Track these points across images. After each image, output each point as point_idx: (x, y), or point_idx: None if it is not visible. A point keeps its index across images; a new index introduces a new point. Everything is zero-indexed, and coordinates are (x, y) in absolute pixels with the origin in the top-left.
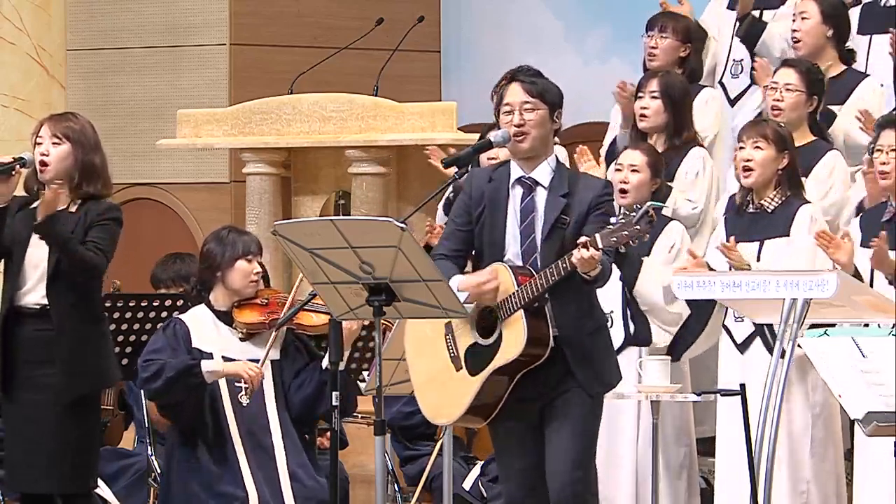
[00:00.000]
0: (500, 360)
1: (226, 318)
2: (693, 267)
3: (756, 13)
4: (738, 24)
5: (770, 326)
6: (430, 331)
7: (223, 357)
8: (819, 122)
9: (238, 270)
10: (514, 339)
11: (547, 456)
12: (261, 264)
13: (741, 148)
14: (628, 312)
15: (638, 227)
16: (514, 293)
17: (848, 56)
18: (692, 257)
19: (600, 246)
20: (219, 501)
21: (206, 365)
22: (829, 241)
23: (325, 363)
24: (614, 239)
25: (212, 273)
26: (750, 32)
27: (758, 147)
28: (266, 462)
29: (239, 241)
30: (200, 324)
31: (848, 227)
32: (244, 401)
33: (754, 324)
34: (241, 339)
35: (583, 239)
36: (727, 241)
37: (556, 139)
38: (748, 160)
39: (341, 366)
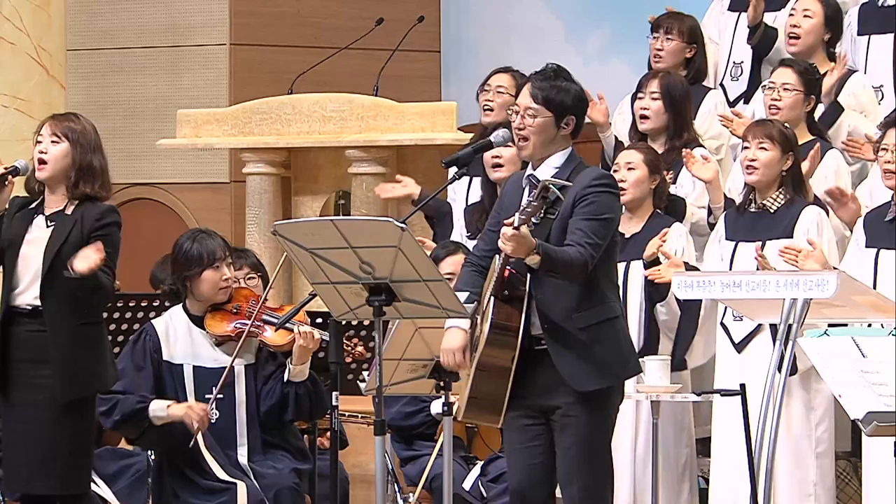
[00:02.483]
0: (478, 349)
1: (200, 322)
2: (669, 266)
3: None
4: (749, 32)
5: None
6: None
7: (193, 367)
8: (817, 121)
9: (205, 281)
10: (484, 326)
11: (557, 468)
12: (259, 263)
13: (746, 147)
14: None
15: (535, 203)
16: (491, 281)
17: (833, 58)
18: (666, 258)
19: (516, 224)
20: (209, 499)
21: (153, 409)
22: (797, 254)
23: (286, 376)
24: (522, 217)
25: (182, 282)
26: (763, 41)
27: (763, 148)
28: (233, 463)
29: (203, 250)
30: (174, 330)
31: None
32: (199, 436)
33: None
34: (216, 344)
35: (507, 220)
36: (727, 240)
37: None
38: (753, 160)
39: (305, 375)
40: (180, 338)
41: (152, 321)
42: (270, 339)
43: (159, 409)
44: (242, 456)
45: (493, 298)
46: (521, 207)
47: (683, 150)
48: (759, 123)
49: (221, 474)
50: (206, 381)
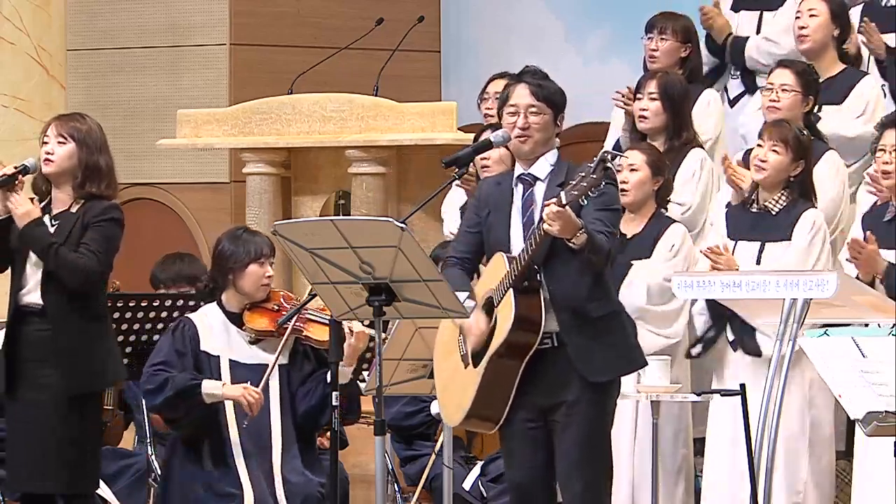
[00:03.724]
0: (494, 343)
1: (236, 319)
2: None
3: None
4: (727, 49)
5: None
6: (447, 333)
7: (230, 360)
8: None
9: (249, 275)
10: (504, 319)
11: (556, 467)
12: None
13: (759, 145)
14: None
15: (594, 175)
16: (504, 275)
17: (845, 57)
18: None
19: (564, 202)
20: (217, 501)
21: (206, 386)
22: (718, 257)
23: (328, 377)
24: (575, 192)
25: (223, 275)
26: (734, 51)
27: (775, 150)
28: (263, 464)
29: (251, 244)
30: (210, 325)
31: (849, 228)
32: (244, 422)
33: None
34: (251, 343)
35: (550, 200)
36: (728, 237)
37: (558, 140)
38: (763, 160)
39: (348, 378)
40: (216, 332)
41: (189, 314)
42: (317, 336)
43: (214, 387)
44: (276, 457)
45: (511, 291)
46: (570, 185)
47: (724, 159)
48: (777, 125)
49: (241, 465)
50: (242, 376)
